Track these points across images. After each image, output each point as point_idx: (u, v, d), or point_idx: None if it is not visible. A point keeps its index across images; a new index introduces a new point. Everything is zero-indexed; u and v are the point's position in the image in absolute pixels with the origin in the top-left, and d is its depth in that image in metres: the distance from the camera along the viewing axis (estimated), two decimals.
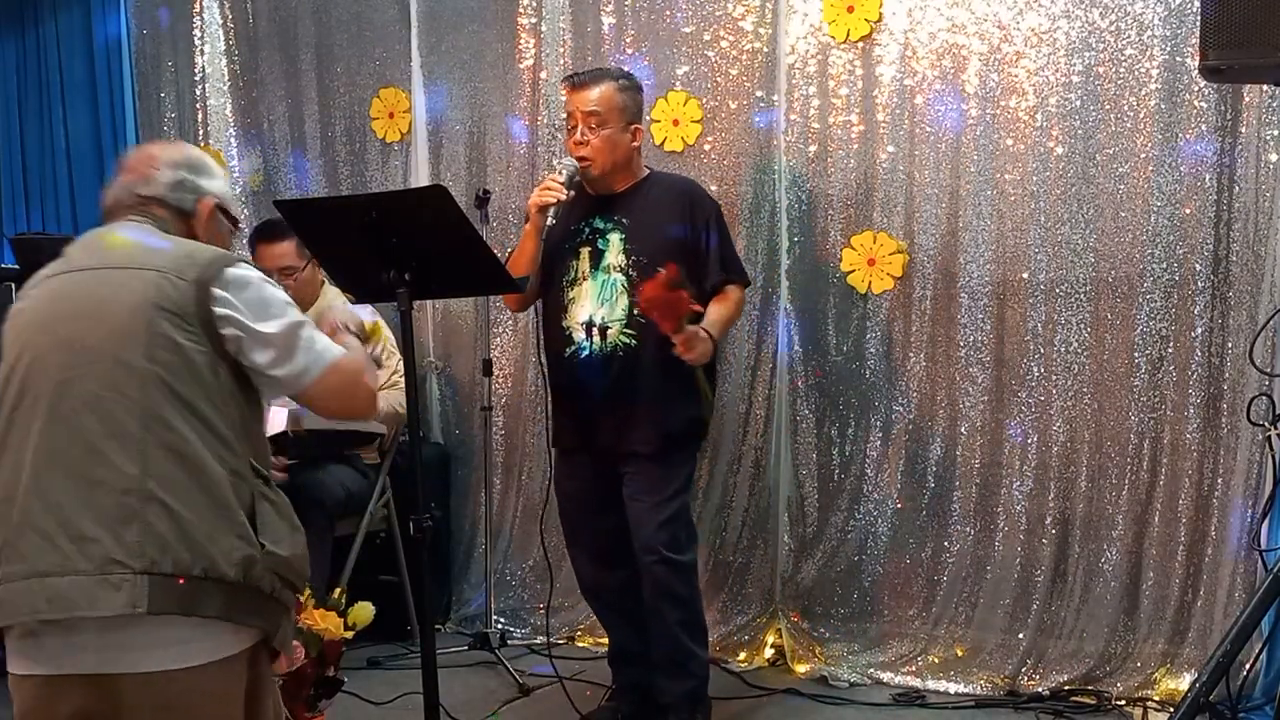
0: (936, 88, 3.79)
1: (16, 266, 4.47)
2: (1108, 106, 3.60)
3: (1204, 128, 3.49)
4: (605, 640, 3.69)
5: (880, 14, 3.82)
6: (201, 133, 4.92)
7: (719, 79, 4.05)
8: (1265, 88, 3.34)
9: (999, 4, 3.71)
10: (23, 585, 1.81)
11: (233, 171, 4.93)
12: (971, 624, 3.82)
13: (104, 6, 5.15)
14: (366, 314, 3.90)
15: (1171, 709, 3.14)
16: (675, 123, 4.10)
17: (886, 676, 3.80)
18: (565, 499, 3.48)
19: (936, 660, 3.80)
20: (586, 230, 3.33)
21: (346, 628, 2.91)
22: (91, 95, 5.20)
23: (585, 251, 3.32)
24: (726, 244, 3.41)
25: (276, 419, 3.58)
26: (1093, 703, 3.54)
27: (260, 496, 1.94)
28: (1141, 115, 3.57)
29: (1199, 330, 3.55)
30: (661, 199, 3.35)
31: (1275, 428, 2.98)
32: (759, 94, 4.00)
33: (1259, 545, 3.32)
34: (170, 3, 4.98)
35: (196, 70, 4.93)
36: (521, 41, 4.38)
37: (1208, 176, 3.51)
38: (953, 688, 3.72)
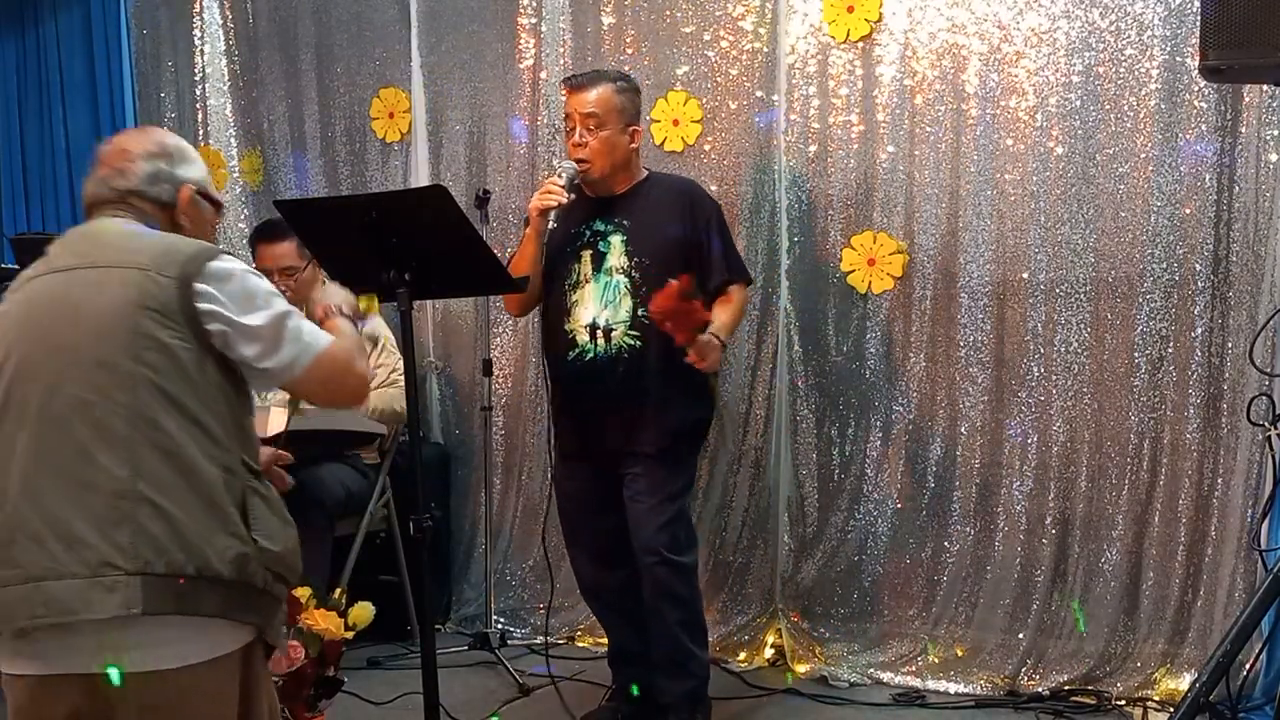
0: (936, 88, 3.79)
1: (16, 266, 4.47)
2: (1108, 106, 3.60)
3: (1204, 128, 3.49)
4: (605, 640, 3.69)
5: (880, 14, 3.82)
6: (201, 133, 4.92)
7: (719, 79, 4.05)
8: (1265, 88, 3.34)
9: (999, 4, 3.71)
10: (18, 590, 1.80)
11: (233, 172, 4.94)
12: (971, 624, 3.82)
13: (104, 6, 5.15)
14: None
15: (1171, 709, 3.14)
16: (675, 123, 4.10)
17: (886, 676, 3.80)
18: (565, 499, 3.48)
19: (936, 660, 3.80)
20: (587, 233, 3.33)
21: (346, 628, 2.90)
22: (91, 95, 5.20)
23: (587, 254, 3.32)
24: (728, 243, 3.42)
25: (276, 419, 3.58)
26: (1093, 703, 3.54)
27: (251, 492, 1.93)
28: (1141, 115, 3.57)
29: (1199, 330, 3.55)
30: (662, 200, 3.35)
31: (1275, 428, 2.98)
32: (759, 94, 4.00)
33: (1259, 545, 3.32)
34: (170, 3, 4.98)
35: (196, 70, 4.93)
36: (521, 41, 4.38)
37: (1208, 176, 3.51)
38: (953, 688, 3.72)
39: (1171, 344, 3.59)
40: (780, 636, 4.01)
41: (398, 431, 4.12)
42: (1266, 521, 3.29)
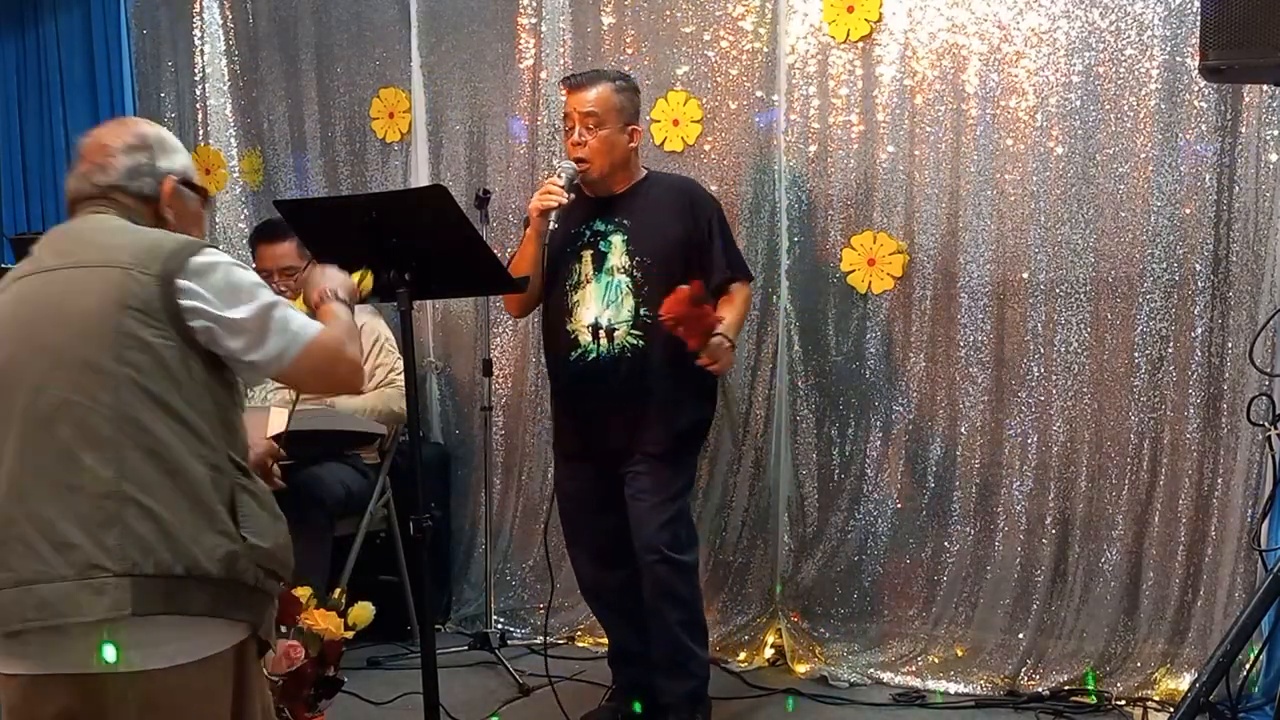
0: (936, 88, 3.79)
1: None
2: (1108, 106, 3.60)
3: (1204, 128, 3.49)
4: (605, 640, 3.70)
5: (880, 14, 3.82)
6: (201, 133, 4.92)
7: (719, 79, 4.05)
8: (1265, 88, 3.34)
9: (999, 4, 3.71)
10: (9, 594, 1.80)
11: (233, 172, 4.93)
12: (971, 624, 3.82)
13: (104, 6, 5.14)
14: (366, 314, 3.94)
15: (1171, 709, 3.14)
16: (675, 123, 4.10)
17: (886, 676, 3.80)
18: (566, 499, 3.48)
19: (936, 660, 3.80)
20: (588, 233, 3.33)
21: (346, 628, 2.90)
22: (91, 95, 5.20)
23: (588, 254, 3.32)
24: (729, 242, 3.42)
25: (277, 419, 3.58)
26: (1093, 703, 3.54)
27: (240, 489, 1.92)
28: (1141, 115, 3.58)
29: (1199, 330, 3.55)
30: (661, 199, 3.35)
31: (1275, 428, 2.97)
32: (759, 94, 4.00)
33: (1259, 545, 3.32)
34: (170, 3, 4.98)
35: (196, 70, 4.92)
36: (521, 41, 4.38)
37: (1208, 176, 3.51)
38: (953, 688, 3.72)
39: (1171, 344, 3.59)
40: (780, 636, 4.01)
41: (398, 431, 4.12)
42: (1266, 521, 3.29)
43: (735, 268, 3.39)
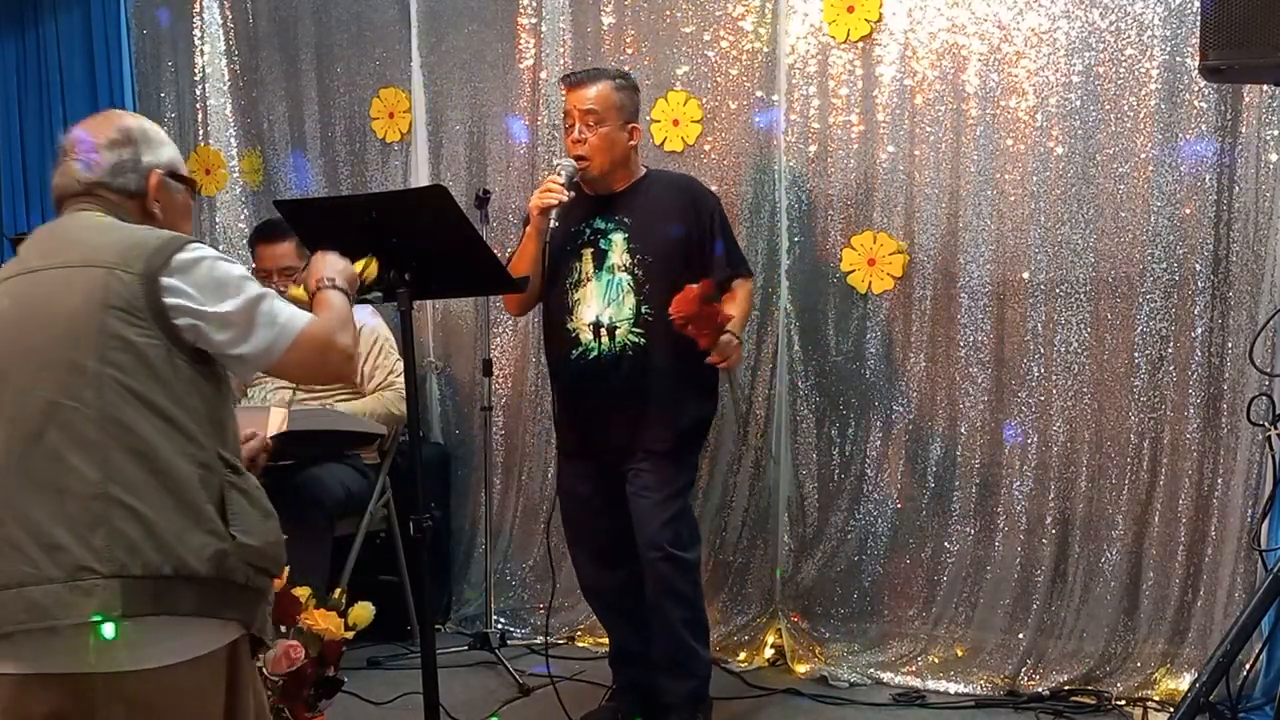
0: (936, 88, 3.80)
1: None
2: (1108, 106, 3.60)
3: (1204, 128, 3.49)
4: (605, 640, 3.70)
5: (880, 14, 3.82)
6: (201, 133, 4.92)
7: (719, 79, 4.05)
8: (1265, 88, 3.34)
9: (999, 4, 3.71)
10: (1, 597, 1.80)
11: (233, 172, 4.94)
12: (971, 624, 3.82)
13: (104, 6, 5.14)
14: (366, 314, 3.94)
15: (1171, 709, 3.14)
16: (675, 123, 4.10)
17: (886, 676, 3.80)
18: (568, 499, 3.47)
19: (936, 660, 3.80)
20: (588, 231, 3.33)
21: (346, 628, 2.90)
22: (91, 95, 5.19)
23: (588, 253, 3.32)
24: (730, 239, 3.43)
25: (276, 419, 3.58)
26: (1093, 703, 3.54)
27: (230, 486, 1.90)
28: (1141, 115, 3.58)
29: (1199, 330, 3.55)
30: (662, 197, 3.35)
31: (1275, 428, 2.98)
32: (759, 94, 4.01)
33: (1259, 545, 3.32)
34: (170, 3, 4.98)
35: (196, 70, 4.93)
36: (521, 41, 4.38)
37: (1208, 176, 3.51)
38: (953, 688, 3.72)
39: (1171, 344, 3.59)
40: (780, 636, 4.01)
41: (398, 431, 4.12)
42: (1266, 521, 3.29)
43: (737, 264, 3.41)
